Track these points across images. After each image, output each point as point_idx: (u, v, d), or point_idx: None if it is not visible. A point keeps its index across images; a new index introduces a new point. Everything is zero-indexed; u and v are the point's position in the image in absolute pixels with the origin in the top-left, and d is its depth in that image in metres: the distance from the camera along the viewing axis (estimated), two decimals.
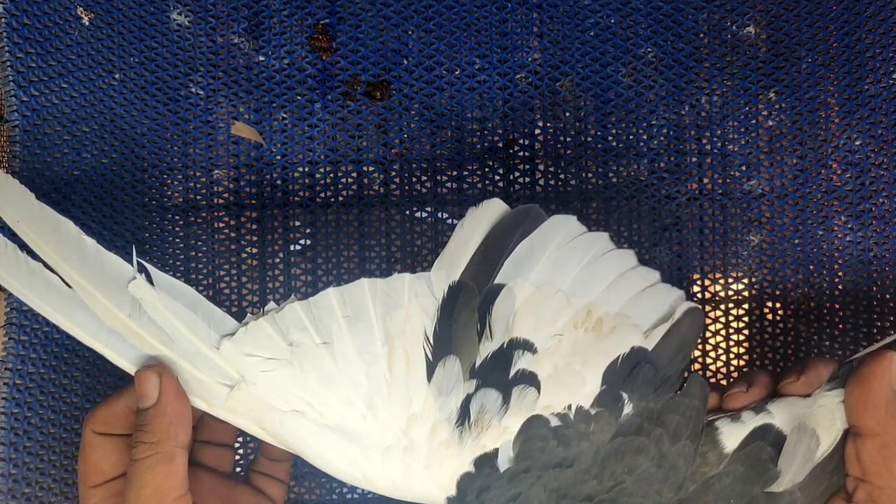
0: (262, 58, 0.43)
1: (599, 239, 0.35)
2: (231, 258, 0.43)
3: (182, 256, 0.43)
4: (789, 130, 0.43)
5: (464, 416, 0.33)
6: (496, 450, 0.33)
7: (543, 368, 0.33)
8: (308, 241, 0.43)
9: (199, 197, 0.43)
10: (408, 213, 0.44)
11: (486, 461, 0.33)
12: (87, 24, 0.42)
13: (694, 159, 0.43)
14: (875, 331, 0.42)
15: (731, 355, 0.43)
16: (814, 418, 0.34)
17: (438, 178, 0.43)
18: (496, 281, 0.33)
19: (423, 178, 0.43)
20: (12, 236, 0.33)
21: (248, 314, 0.33)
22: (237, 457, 0.43)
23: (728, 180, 0.43)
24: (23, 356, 0.41)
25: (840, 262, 0.43)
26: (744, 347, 0.43)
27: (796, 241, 0.43)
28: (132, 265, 0.33)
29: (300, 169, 0.43)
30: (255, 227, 0.43)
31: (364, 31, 0.43)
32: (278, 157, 0.43)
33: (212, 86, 0.43)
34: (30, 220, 0.33)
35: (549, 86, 0.43)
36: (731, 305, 0.43)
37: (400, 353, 0.33)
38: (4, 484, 0.40)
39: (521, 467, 0.33)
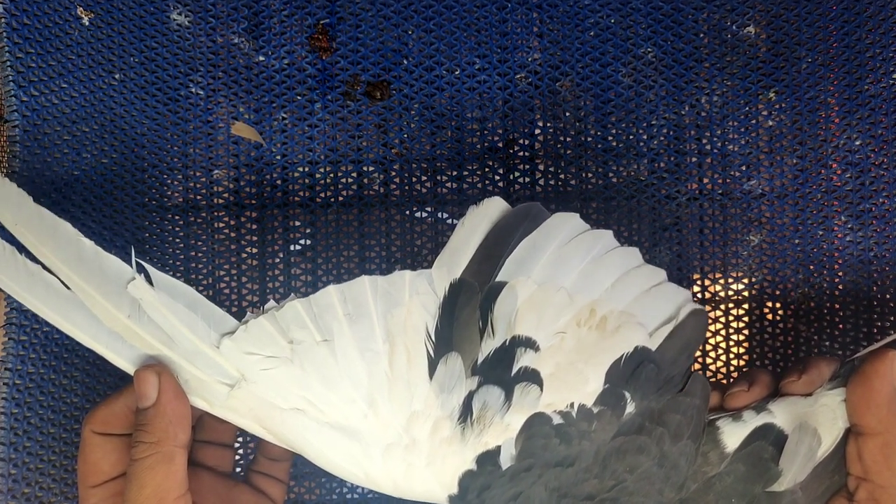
0: (262, 58, 0.43)
1: (603, 236, 0.34)
2: (231, 258, 0.43)
3: (182, 256, 0.43)
4: (789, 130, 0.43)
5: (466, 413, 0.33)
6: (498, 447, 0.33)
7: (546, 366, 0.33)
8: (308, 241, 0.43)
9: (199, 197, 0.43)
10: (408, 213, 0.44)
11: (488, 459, 0.33)
12: (87, 24, 0.42)
13: (694, 159, 0.43)
14: (875, 331, 0.42)
15: (731, 355, 0.43)
16: (815, 417, 0.34)
17: (438, 178, 0.43)
18: (498, 279, 0.33)
19: (423, 178, 0.43)
20: (10, 239, 0.33)
21: (248, 313, 0.33)
22: (237, 457, 0.43)
23: (728, 180, 0.43)
24: (23, 356, 0.41)
25: (840, 262, 0.43)
26: (744, 347, 0.43)
27: (796, 241, 0.43)
28: (131, 266, 0.33)
29: (300, 169, 0.43)
30: (255, 227, 0.43)
31: (364, 31, 0.43)
32: (278, 157, 0.43)
33: (212, 86, 0.43)
34: (28, 223, 0.33)
35: (549, 86, 0.43)
36: (731, 305, 0.43)
37: (401, 351, 0.33)
38: (4, 484, 0.40)
39: (523, 465, 0.33)
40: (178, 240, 0.43)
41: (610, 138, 0.43)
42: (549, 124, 0.43)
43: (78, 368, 0.42)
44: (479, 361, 0.33)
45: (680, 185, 0.43)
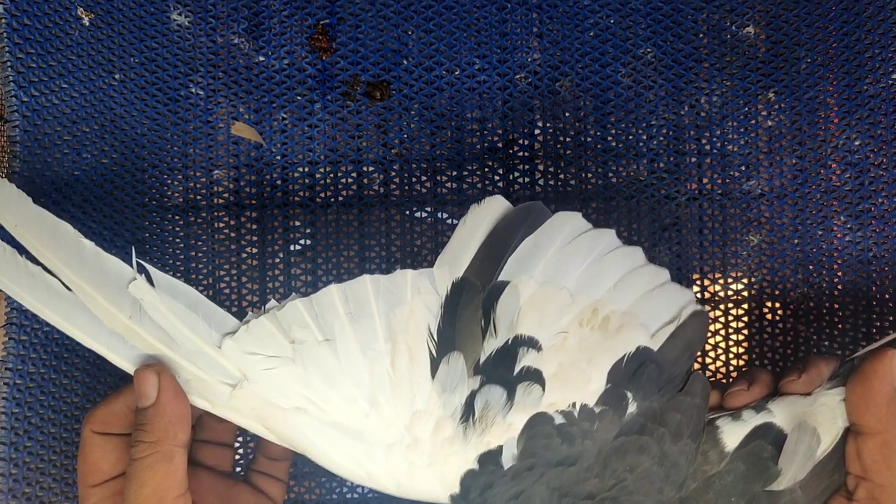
0: (262, 58, 0.43)
1: (605, 235, 0.34)
2: (231, 258, 0.43)
3: (182, 256, 0.43)
4: (789, 130, 0.43)
5: (468, 412, 0.33)
6: (500, 447, 0.33)
7: (548, 366, 0.33)
8: (308, 241, 0.43)
9: (199, 197, 0.43)
10: (408, 213, 0.44)
11: (490, 458, 0.33)
12: (87, 24, 0.42)
13: (694, 159, 0.43)
14: (874, 330, 0.42)
15: (731, 355, 0.43)
16: (815, 417, 0.34)
17: (438, 178, 0.43)
18: (500, 278, 0.33)
19: (423, 178, 0.44)
20: (10, 241, 0.33)
21: (250, 312, 0.33)
22: (237, 456, 0.43)
23: (728, 180, 0.43)
24: (23, 356, 0.41)
25: (839, 262, 0.43)
26: (743, 347, 0.43)
27: (796, 241, 0.43)
28: (132, 266, 0.33)
29: (300, 169, 0.43)
30: (255, 227, 0.43)
31: (364, 31, 0.43)
32: (278, 157, 0.43)
33: (212, 86, 0.43)
34: (28, 224, 0.33)
35: (549, 86, 0.43)
36: (730, 305, 0.43)
37: (403, 350, 0.33)
38: (4, 484, 0.40)
39: (525, 465, 0.33)
40: (178, 240, 0.43)
41: (610, 138, 0.43)
42: (548, 124, 0.43)
43: (78, 368, 0.42)
44: (482, 361, 0.33)
45: (680, 185, 0.43)
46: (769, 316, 0.43)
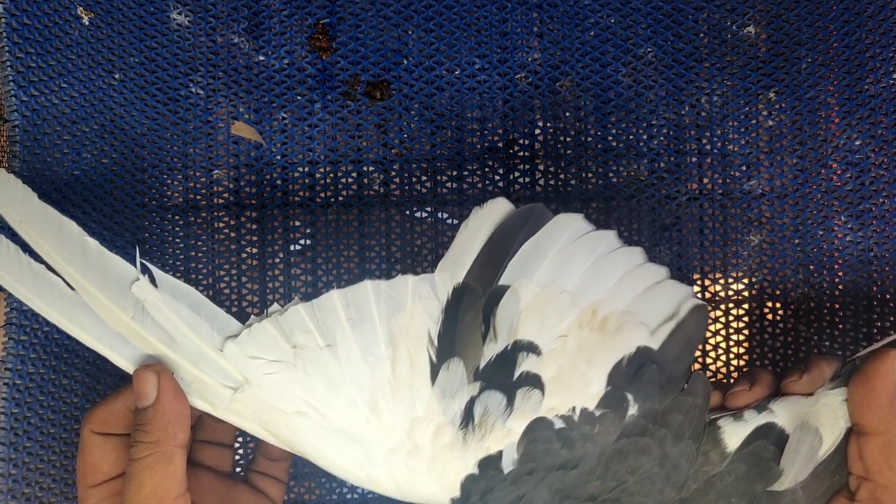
0: (262, 58, 0.43)
1: (606, 237, 0.34)
2: (231, 258, 0.43)
3: (182, 256, 0.43)
4: (789, 130, 0.43)
5: (468, 418, 0.33)
6: (500, 452, 0.33)
7: (548, 370, 0.33)
8: (308, 241, 0.43)
9: (199, 197, 0.43)
10: (408, 213, 0.43)
11: (490, 463, 0.33)
12: (87, 24, 0.42)
13: (694, 159, 0.43)
14: (875, 331, 0.42)
15: (731, 355, 0.43)
16: (816, 417, 0.34)
17: (438, 178, 0.43)
18: (501, 282, 0.33)
19: (423, 178, 0.43)
20: (14, 238, 0.33)
21: (252, 316, 0.33)
22: (237, 457, 0.43)
23: (728, 180, 0.43)
24: (23, 356, 0.41)
25: (840, 262, 0.43)
26: (744, 347, 0.43)
27: (796, 241, 0.43)
28: (135, 266, 0.33)
29: (300, 169, 0.43)
30: (255, 227, 0.43)
31: (364, 31, 0.43)
32: (278, 157, 0.43)
33: (212, 86, 0.43)
34: (32, 221, 0.33)
35: (549, 86, 0.43)
36: (731, 305, 0.43)
37: (404, 356, 0.33)
38: (4, 484, 0.40)
39: (525, 469, 0.33)
40: (178, 240, 0.43)
41: (610, 138, 0.43)
42: (549, 124, 0.43)
43: (78, 368, 0.42)
44: (482, 366, 0.33)
45: (680, 185, 0.43)
46: (770, 316, 0.43)
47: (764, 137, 0.43)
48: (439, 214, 0.43)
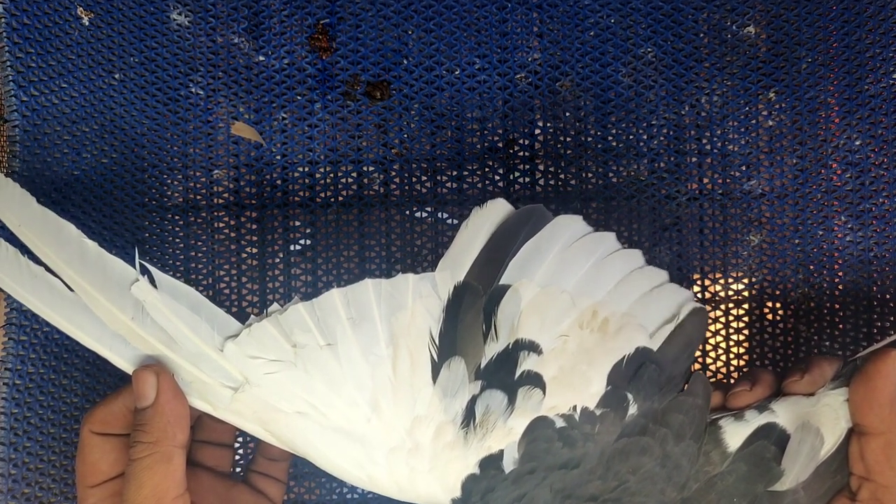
0: (262, 58, 0.43)
1: (606, 239, 0.34)
2: (231, 258, 0.43)
3: (182, 256, 0.43)
4: (789, 130, 0.43)
5: (469, 417, 0.33)
6: (501, 451, 0.33)
7: (549, 369, 0.33)
8: (308, 241, 0.43)
9: (199, 197, 0.43)
10: (408, 213, 0.43)
11: (491, 463, 0.33)
12: (87, 24, 0.42)
13: (694, 159, 0.43)
14: (875, 331, 0.42)
15: (731, 355, 0.43)
16: (818, 417, 0.34)
17: (438, 178, 0.43)
18: (501, 282, 0.33)
19: (423, 178, 0.43)
20: (13, 241, 0.33)
21: (252, 316, 0.33)
22: (237, 457, 0.42)
23: (728, 180, 0.43)
24: (23, 356, 0.41)
25: (840, 262, 0.43)
26: (744, 347, 0.43)
27: (796, 241, 0.43)
28: (135, 267, 0.33)
29: (300, 169, 0.43)
30: (255, 227, 0.43)
31: (364, 31, 0.43)
32: (278, 157, 0.43)
33: (212, 86, 0.43)
34: (31, 224, 0.33)
35: (549, 86, 0.43)
36: (731, 305, 0.43)
37: (405, 355, 0.33)
38: (4, 484, 0.40)
39: (526, 468, 0.33)
40: (178, 240, 0.43)
41: (610, 138, 0.43)
42: (549, 124, 0.43)
43: (78, 368, 0.42)
44: (483, 365, 0.33)
45: (680, 185, 0.43)
46: (770, 316, 0.43)
47: (764, 137, 0.43)
48: (439, 214, 0.43)
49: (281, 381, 0.33)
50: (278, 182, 0.43)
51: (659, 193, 0.43)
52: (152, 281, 0.33)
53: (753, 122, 0.43)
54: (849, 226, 0.43)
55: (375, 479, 0.33)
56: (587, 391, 0.33)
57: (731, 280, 0.43)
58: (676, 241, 0.43)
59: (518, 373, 0.33)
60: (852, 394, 0.33)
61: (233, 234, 0.43)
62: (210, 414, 0.34)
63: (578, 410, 0.33)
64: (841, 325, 0.43)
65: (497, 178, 0.43)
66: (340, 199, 0.43)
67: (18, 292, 0.33)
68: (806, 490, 0.34)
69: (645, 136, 0.43)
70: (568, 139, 0.43)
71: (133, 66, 0.42)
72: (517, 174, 0.43)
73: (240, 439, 0.43)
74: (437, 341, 0.33)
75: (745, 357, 0.43)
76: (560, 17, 0.43)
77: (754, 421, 0.34)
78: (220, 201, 0.43)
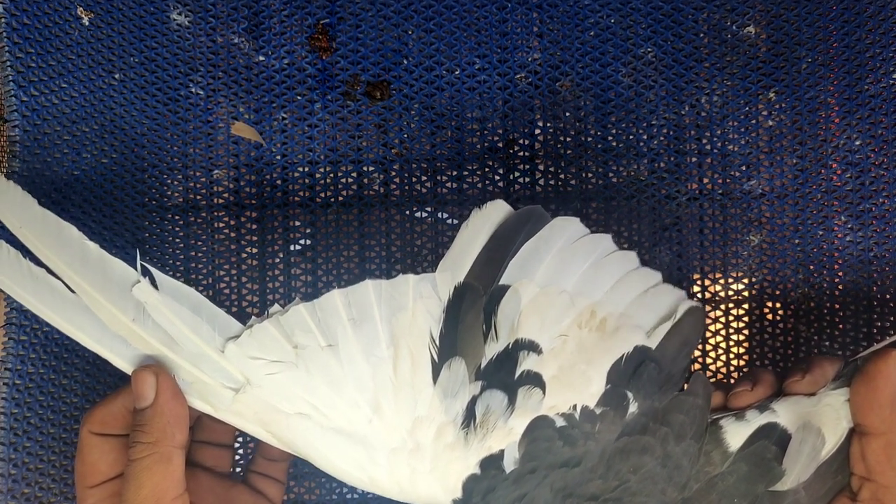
0: (262, 58, 0.43)
1: (603, 240, 0.35)
2: (231, 258, 0.43)
3: (182, 256, 0.43)
4: (789, 130, 0.43)
5: (469, 417, 0.33)
6: (502, 451, 0.33)
7: (549, 369, 0.33)
8: (308, 241, 0.43)
9: (199, 197, 0.43)
10: (408, 213, 0.43)
11: (491, 463, 0.33)
12: (87, 24, 0.42)
13: (694, 159, 0.43)
14: (875, 331, 0.42)
15: (731, 355, 0.43)
16: (819, 417, 0.34)
17: (438, 178, 0.43)
18: (501, 282, 0.33)
19: (423, 178, 0.43)
20: (14, 243, 0.33)
21: (253, 317, 0.33)
22: (237, 457, 0.42)
23: (728, 180, 0.43)
24: (23, 356, 0.41)
25: (840, 262, 0.43)
26: (744, 347, 0.43)
27: (796, 241, 0.43)
28: (136, 268, 0.33)
29: (300, 169, 0.43)
30: (255, 227, 0.43)
31: (364, 31, 0.43)
32: (278, 157, 0.43)
33: (212, 86, 0.43)
34: (32, 226, 0.33)
35: (549, 86, 0.43)
36: (731, 305, 0.43)
37: (405, 355, 0.33)
38: (4, 484, 0.40)
39: (527, 468, 0.33)
40: (178, 240, 0.43)
41: (610, 138, 0.43)
42: (549, 124, 0.43)
43: (78, 368, 0.42)
44: (483, 366, 0.33)
45: (680, 185, 0.43)
46: (770, 316, 0.43)
47: (764, 137, 0.43)
48: (439, 214, 0.43)
49: (282, 381, 0.33)
50: (278, 182, 0.43)
51: (659, 193, 0.43)
52: (153, 282, 0.33)
53: (753, 122, 0.43)
54: (849, 226, 0.43)
55: (376, 480, 0.33)
56: (587, 390, 0.33)
57: (731, 280, 0.43)
58: (676, 241, 0.43)
59: (518, 372, 0.33)
60: (853, 394, 0.33)
61: (233, 234, 0.43)
62: (210, 415, 0.34)
63: (578, 409, 0.33)
64: (841, 325, 0.43)
65: (497, 178, 0.43)
66: (340, 199, 0.43)
67: (20, 294, 0.33)
68: (807, 490, 0.34)
69: (645, 136, 0.43)
70: (568, 139, 0.43)
71: (133, 66, 0.42)
72: (517, 174, 0.43)
73: (239, 440, 0.43)
74: (437, 342, 0.33)
75: (745, 357, 0.43)
76: (560, 17, 0.43)
77: (755, 421, 0.34)
78: (220, 201, 0.43)
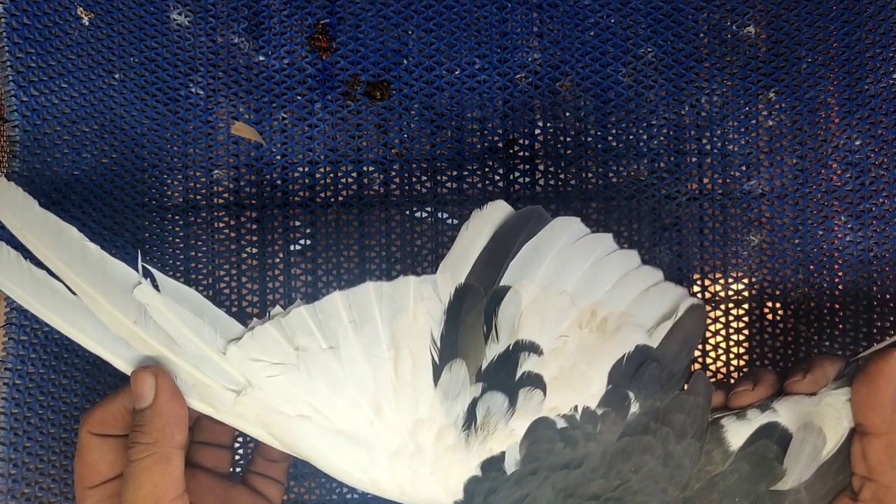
0: (262, 58, 0.43)
1: (603, 240, 0.34)
2: (231, 258, 0.43)
3: (182, 256, 0.43)
4: (789, 130, 0.43)
5: (470, 419, 0.33)
6: (503, 453, 0.33)
7: (549, 370, 0.33)
8: (308, 241, 0.43)
9: (199, 197, 0.43)
10: (408, 213, 0.43)
11: (492, 464, 0.33)
12: (87, 24, 0.42)
13: (694, 159, 0.43)
14: (875, 331, 0.42)
15: (731, 355, 0.43)
16: (820, 417, 0.34)
17: (438, 178, 0.43)
18: (502, 283, 0.33)
19: (423, 178, 0.43)
20: (14, 245, 0.33)
21: (254, 318, 0.33)
22: (236, 457, 0.42)
23: (728, 180, 0.43)
24: (23, 356, 0.41)
25: (840, 262, 0.43)
26: (744, 347, 0.43)
27: (796, 241, 0.43)
28: (137, 270, 0.33)
29: (300, 169, 0.43)
30: (255, 227, 0.43)
31: (364, 31, 0.43)
32: (278, 157, 0.43)
33: (212, 86, 0.43)
34: (32, 227, 0.33)
35: (549, 86, 0.43)
36: (731, 305, 0.43)
37: (406, 357, 0.33)
38: (4, 484, 0.40)
39: (529, 469, 0.33)
40: (178, 240, 0.43)
41: (610, 138, 0.43)
42: (549, 124, 0.43)
43: (78, 368, 0.42)
44: (483, 367, 0.33)
45: (680, 185, 0.43)
46: (770, 316, 0.43)
47: (764, 137, 0.43)
48: (439, 214, 0.43)
49: (283, 383, 0.33)
50: (278, 182, 0.43)
51: (659, 193, 0.43)
52: (154, 284, 0.33)
53: (753, 122, 0.43)
54: (849, 226, 0.43)
55: (378, 481, 0.33)
56: (588, 391, 0.33)
57: (731, 280, 0.43)
58: (676, 241, 0.43)
59: (518, 374, 0.33)
60: (854, 394, 0.33)
61: (233, 234, 0.43)
62: (210, 416, 0.34)
63: (580, 410, 0.33)
64: (841, 325, 0.43)
65: (497, 178, 0.43)
66: (340, 199, 0.43)
67: (20, 296, 0.33)
68: (808, 490, 0.34)
69: (645, 136, 0.43)
70: (568, 139, 0.43)
71: (133, 66, 0.42)
72: (517, 174, 0.43)
73: (239, 440, 0.43)
74: (438, 343, 0.33)
75: (745, 357, 0.43)
76: (560, 17, 0.43)
77: (756, 420, 0.34)
78: (220, 201, 0.43)
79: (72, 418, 0.41)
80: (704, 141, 0.43)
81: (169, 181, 0.43)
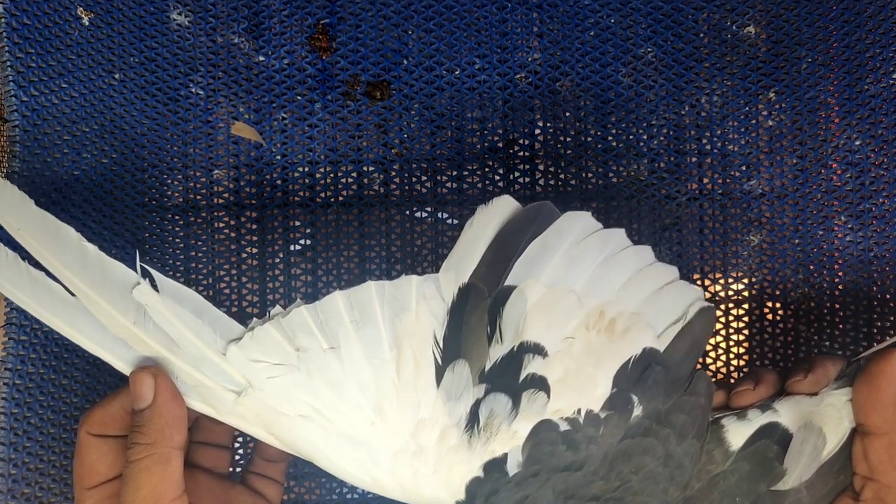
0: (262, 58, 0.43)
1: (615, 235, 0.34)
2: (231, 258, 0.43)
3: (182, 257, 0.43)
4: (789, 130, 0.43)
5: (473, 421, 0.32)
6: (505, 455, 0.33)
7: (554, 372, 0.33)
8: (308, 241, 0.43)
9: (199, 197, 0.43)
10: (408, 213, 0.43)
11: (495, 466, 0.32)
12: (87, 24, 0.42)
13: (694, 159, 0.43)
14: (875, 331, 0.42)
15: (731, 355, 0.43)
16: (821, 417, 0.34)
17: (438, 178, 0.43)
18: (507, 282, 0.33)
19: (423, 178, 0.43)
20: (12, 246, 0.33)
21: (254, 318, 0.33)
22: (236, 457, 0.42)
23: (728, 180, 0.43)
24: (23, 356, 0.41)
25: (840, 262, 0.43)
26: (744, 347, 0.43)
27: (796, 241, 0.43)
28: (135, 270, 0.32)
29: (300, 169, 0.43)
30: (255, 227, 0.43)
31: (364, 31, 0.43)
32: (278, 157, 0.43)
33: (212, 86, 0.43)
34: (30, 227, 0.32)
35: (549, 86, 0.43)
36: (731, 305, 0.43)
37: (409, 357, 0.33)
38: (4, 484, 0.40)
39: (530, 471, 0.33)
40: (178, 240, 0.43)
41: (610, 138, 0.43)
42: (549, 124, 0.43)
43: (78, 368, 0.42)
44: (487, 368, 0.33)
45: (680, 185, 0.43)
46: (770, 316, 0.43)
47: (764, 137, 0.43)
48: (439, 214, 0.43)
49: (284, 384, 0.33)
50: (278, 182, 0.43)
51: (659, 193, 0.43)
52: (153, 284, 0.33)
53: (753, 122, 0.43)
54: (849, 226, 0.43)
55: (379, 481, 0.33)
56: (592, 394, 0.33)
57: (731, 280, 0.43)
58: (676, 241, 0.43)
59: (523, 376, 0.32)
60: (856, 394, 0.33)
61: (233, 234, 0.43)
62: (209, 416, 0.34)
63: (583, 414, 0.33)
64: (841, 325, 0.43)
65: (497, 178, 0.43)
66: (340, 199, 0.43)
67: (19, 297, 0.32)
68: (808, 490, 0.34)
69: (645, 136, 0.43)
70: (568, 139, 0.43)
71: (133, 66, 0.42)
72: (517, 174, 0.43)
73: (238, 440, 0.43)
74: (441, 344, 0.33)
75: (745, 357, 0.43)
76: (560, 17, 0.43)
77: (757, 420, 0.34)
78: (220, 201, 0.43)
79: (72, 418, 0.41)
80: (704, 141, 0.43)
81: (169, 181, 0.43)
